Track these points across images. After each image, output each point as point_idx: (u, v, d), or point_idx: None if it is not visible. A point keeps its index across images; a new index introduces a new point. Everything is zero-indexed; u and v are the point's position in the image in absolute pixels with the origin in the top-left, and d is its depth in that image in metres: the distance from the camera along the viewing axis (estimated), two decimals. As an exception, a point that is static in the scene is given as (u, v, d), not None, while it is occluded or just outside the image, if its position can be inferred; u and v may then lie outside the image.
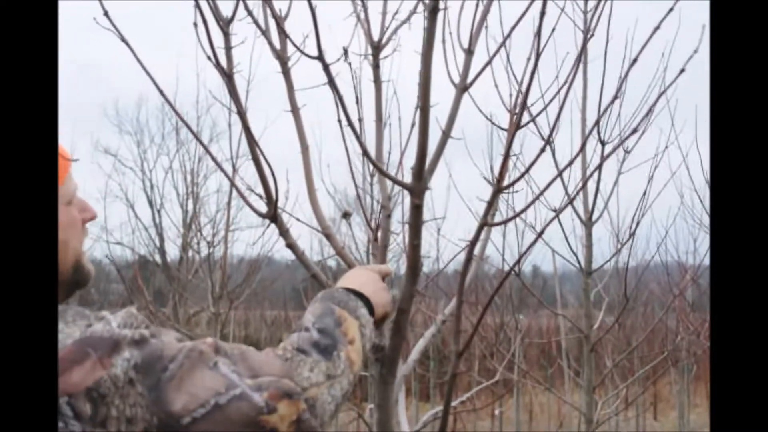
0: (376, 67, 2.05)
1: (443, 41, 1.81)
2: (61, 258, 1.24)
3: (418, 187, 1.70)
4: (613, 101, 2.52)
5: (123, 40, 1.74)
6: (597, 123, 3.71)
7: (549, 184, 1.87)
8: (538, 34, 1.62)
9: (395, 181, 1.76)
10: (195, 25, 1.78)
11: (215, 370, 1.15)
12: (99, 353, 1.08)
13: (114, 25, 1.68)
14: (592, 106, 4.29)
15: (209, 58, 1.79)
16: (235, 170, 4.94)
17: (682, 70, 1.87)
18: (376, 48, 2.04)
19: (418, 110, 1.66)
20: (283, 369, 1.22)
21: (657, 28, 1.92)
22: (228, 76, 1.86)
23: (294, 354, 1.26)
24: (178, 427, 1.10)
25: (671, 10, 1.86)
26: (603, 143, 3.96)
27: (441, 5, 1.56)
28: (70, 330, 1.10)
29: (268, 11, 1.96)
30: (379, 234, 2.09)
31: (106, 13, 1.65)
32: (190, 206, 11.46)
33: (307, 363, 1.25)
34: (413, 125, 2.05)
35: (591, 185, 4.27)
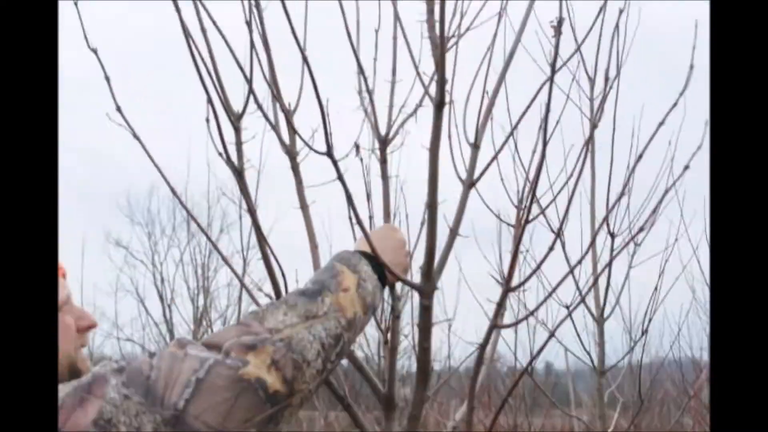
0: (383, 162, 2.03)
1: (449, 136, 1.82)
2: None
3: (427, 288, 1.67)
4: (620, 198, 2.53)
5: (135, 136, 1.77)
6: (606, 219, 3.70)
7: (559, 283, 1.83)
8: (544, 129, 1.62)
9: (405, 282, 1.71)
10: (207, 120, 1.81)
11: (188, 357, 1.27)
12: (92, 392, 1.21)
13: (126, 121, 1.71)
14: (601, 195, 4.28)
15: (220, 154, 1.81)
16: (245, 262, 4.92)
17: (687, 167, 1.87)
18: (383, 142, 2.03)
19: (426, 207, 1.65)
20: (238, 329, 1.33)
21: (661, 123, 1.93)
22: (239, 173, 1.87)
23: (269, 305, 1.37)
24: (177, 413, 1.21)
25: (674, 105, 1.89)
26: (613, 236, 3.94)
27: (447, 99, 1.58)
28: (62, 387, 1.22)
29: (278, 105, 1.99)
30: (389, 335, 2.03)
31: (118, 109, 1.68)
32: (201, 301, 11.40)
33: (281, 308, 1.35)
34: (423, 223, 2.01)
35: (602, 280, 4.22)
